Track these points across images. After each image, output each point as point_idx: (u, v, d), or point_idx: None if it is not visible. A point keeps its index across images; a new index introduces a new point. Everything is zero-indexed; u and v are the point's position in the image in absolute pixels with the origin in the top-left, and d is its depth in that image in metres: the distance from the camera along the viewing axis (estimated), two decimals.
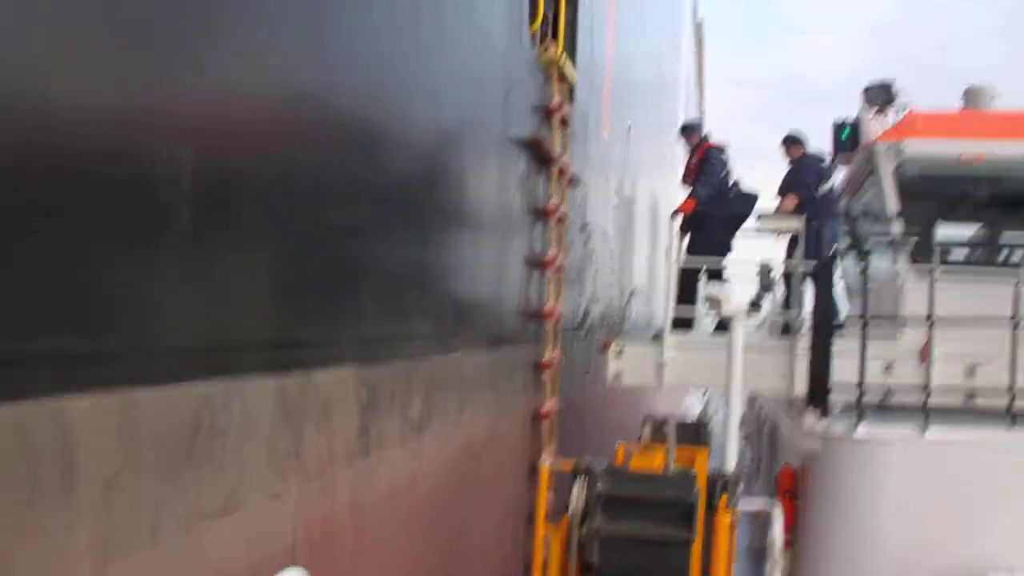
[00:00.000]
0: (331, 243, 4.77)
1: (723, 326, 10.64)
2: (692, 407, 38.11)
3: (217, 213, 3.67)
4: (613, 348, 9.65)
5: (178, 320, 3.44)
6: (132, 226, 3.18)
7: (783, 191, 11.24)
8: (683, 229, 10.81)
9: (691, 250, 10.83)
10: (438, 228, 6.44)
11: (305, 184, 4.40)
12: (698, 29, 45.90)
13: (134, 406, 3.14)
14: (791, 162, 11.50)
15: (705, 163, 11.21)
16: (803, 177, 11.25)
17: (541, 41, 9.07)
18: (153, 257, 3.29)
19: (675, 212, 10.74)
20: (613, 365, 9.62)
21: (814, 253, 10.33)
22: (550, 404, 9.46)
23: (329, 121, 4.71)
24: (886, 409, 8.82)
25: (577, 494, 6.28)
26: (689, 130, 12.12)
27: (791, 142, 11.59)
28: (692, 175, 11.35)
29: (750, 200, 11.34)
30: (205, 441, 3.51)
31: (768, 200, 11.33)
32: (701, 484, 6.38)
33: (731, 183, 11.36)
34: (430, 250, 6.31)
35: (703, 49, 46.77)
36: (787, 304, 10.49)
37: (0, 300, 2.62)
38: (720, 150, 11.41)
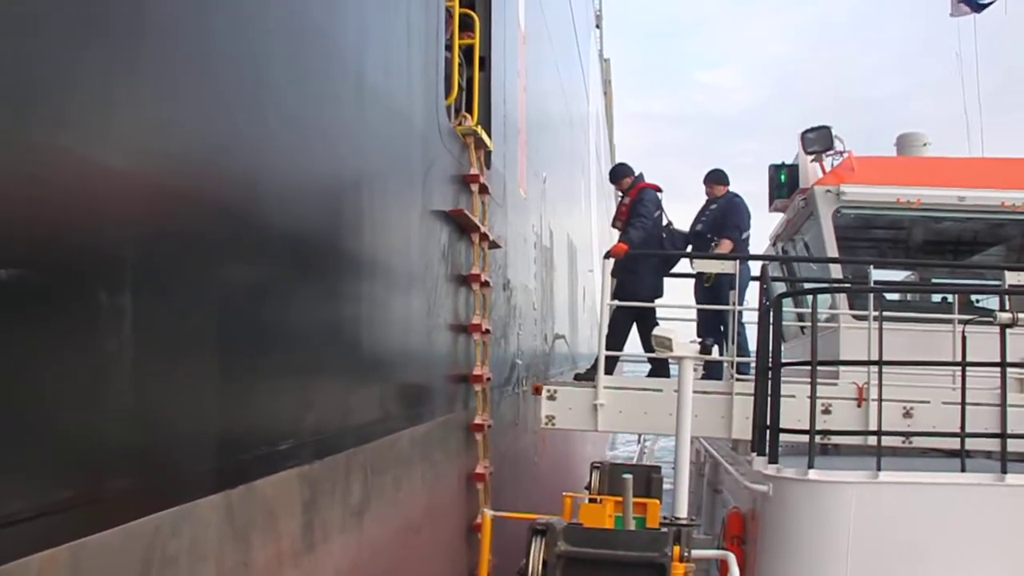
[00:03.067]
0: (263, 346, 4.85)
1: (658, 370, 10.85)
2: (618, 447, 38.50)
3: (148, 318, 3.67)
4: (545, 391, 9.54)
5: (123, 461, 3.50)
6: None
7: (716, 231, 11.10)
8: (613, 274, 10.65)
9: (621, 293, 10.73)
10: (368, 309, 6.55)
11: (224, 278, 4.44)
12: (605, 67, 46.93)
13: (84, 554, 3.18)
14: (713, 199, 11.34)
15: (638, 203, 11.07)
16: (735, 219, 11.13)
17: (457, 113, 9.31)
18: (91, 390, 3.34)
19: (607, 255, 10.53)
20: (545, 408, 9.49)
21: (741, 297, 10.56)
22: (483, 465, 9.60)
23: (256, 205, 4.74)
24: (826, 451, 9.03)
25: (535, 555, 5.78)
26: (619, 174, 11.76)
27: (716, 180, 11.45)
28: (624, 217, 11.19)
29: (678, 241, 11.23)
30: (158, 572, 3.59)
31: (697, 239, 11.22)
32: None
33: (664, 223, 11.22)
34: (362, 333, 6.41)
35: (611, 86, 47.83)
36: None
37: None
38: (655, 189, 11.27)
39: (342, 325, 6.01)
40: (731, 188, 11.49)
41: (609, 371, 10.29)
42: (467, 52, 9.94)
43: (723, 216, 11.20)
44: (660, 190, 11.34)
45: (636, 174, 11.57)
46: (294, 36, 5.20)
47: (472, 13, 9.90)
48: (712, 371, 10.99)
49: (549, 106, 17.12)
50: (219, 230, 4.34)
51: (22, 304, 2.97)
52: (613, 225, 11.80)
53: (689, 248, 11.39)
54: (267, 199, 4.91)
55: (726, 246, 10.91)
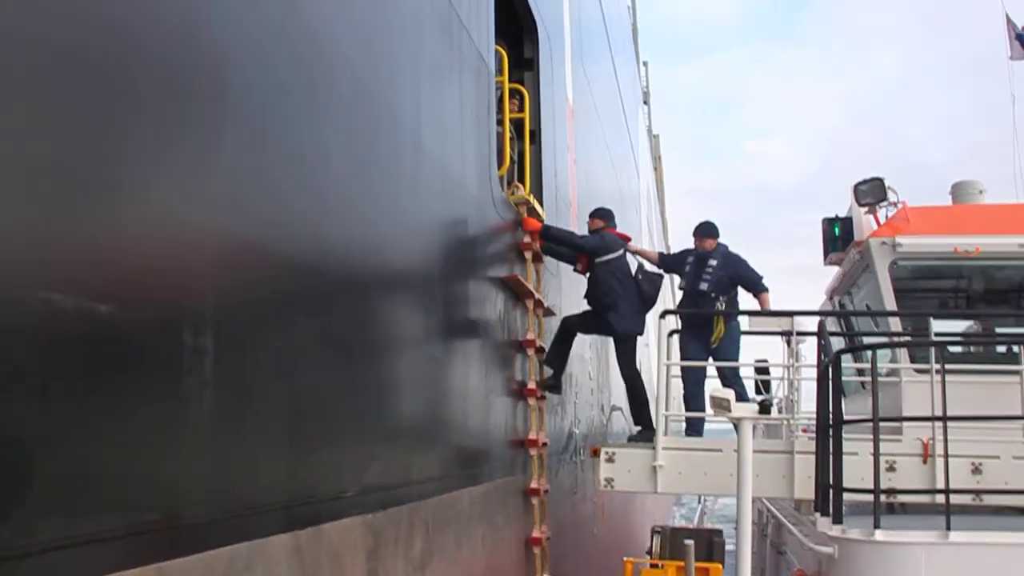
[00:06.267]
0: (333, 398, 5.10)
1: (694, 428, 10.77)
2: (683, 509, 38.03)
3: (228, 377, 3.96)
4: (603, 453, 9.46)
5: (204, 491, 3.75)
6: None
7: (724, 290, 10.70)
8: (590, 303, 10.56)
9: (600, 325, 10.63)
10: (433, 371, 6.81)
11: (301, 339, 4.73)
12: (655, 143, 47.50)
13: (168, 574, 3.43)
14: (706, 254, 10.86)
15: (597, 232, 10.68)
16: (750, 272, 10.84)
17: (509, 184, 9.65)
18: (176, 431, 3.61)
19: (574, 269, 10.25)
20: (604, 470, 9.39)
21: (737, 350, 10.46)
22: (540, 530, 9.67)
23: (322, 271, 5.02)
24: (892, 510, 8.81)
25: None
26: (594, 214, 11.12)
27: (707, 233, 10.97)
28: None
29: (656, 281, 10.90)
30: None
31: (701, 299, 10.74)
32: None
33: (636, 268, 10.74)
34: (426, 394, 6.66)
35: (660, 162, 48.33)
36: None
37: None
38: (623, 238, 10.86)
39: (400, 383, 6.24)
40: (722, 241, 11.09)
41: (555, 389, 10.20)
42: (518, 126, 10.32)
43: (735, 272, 10.79)
44: (628, 239, 11.02)
45: (612, 223, 11.06)
46: (365, 110, 5.56)
47: (522, 88, 10.30)
48: (695, 427, 10.77)
49: (600, 180, 17.45)
50: (294, 290, 4.64)
51: (117, 357, 3.25)
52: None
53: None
54: (334, 262, 5.21)
55: (768, 300, 10.64)
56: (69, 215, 3.09)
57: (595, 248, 10.41)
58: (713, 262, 10.74)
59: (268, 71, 4.46)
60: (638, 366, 11.05)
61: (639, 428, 10.76)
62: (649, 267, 11.25)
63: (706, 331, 10.57)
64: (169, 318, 3.58)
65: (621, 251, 10.57)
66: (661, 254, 12.56)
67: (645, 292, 10.57)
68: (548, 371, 10.17)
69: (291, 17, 4.71)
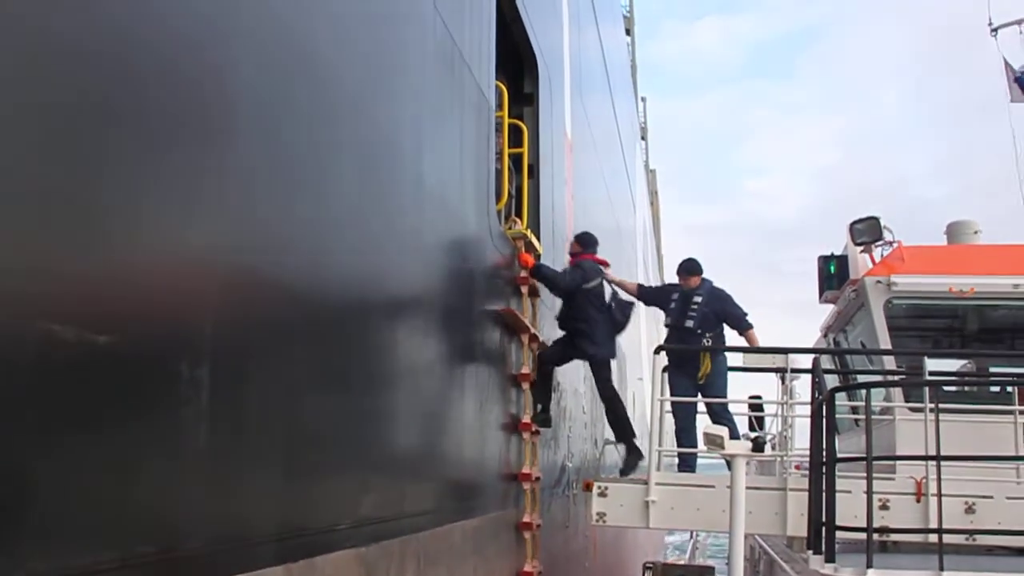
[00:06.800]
0: (329, 430, 5.11)
1: (687, 463, 10.79)
2: (673, 544, 37.86)
3: (223, 408, 3.97)
4: (596, 488, 9.44)
5: (198, 523, 3.76)
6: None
7: (710, 326, 10.74)
8: (562, 327, 10.59)
9: (572, 349, 10.56)
10: (428, 403, 6.82)
11: (298, 371, 4.74)
12: (651, 177, 47.78)
13: None
14: (691, 291, 10.90)
15: (575, 268, 10.63)
16: (735, 308, 10.91)
17: (507, 218, 9.71)
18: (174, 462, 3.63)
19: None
20: (596, 505, 9.37)
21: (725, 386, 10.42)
22: (532, 564, 9.64)
23: (320, 303, 5.05)
24: (885, 549, 8.75)
25: None
26: (576, 239, 11.10)
27: (690, 271, 11.03)
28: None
29: (627, 309, 10.98)
30: None
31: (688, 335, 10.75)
32: None
33: (610, 296, 10.82)
34: (421, 426, 6.67)
35: (657, 197, 48.64)
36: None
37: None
38: (598, 263, 10.82)
39: (396, 415, 6.25)
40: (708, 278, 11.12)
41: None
42: (516, 161, 10.40)
43: (721, 308, 10.86)
44: (606, 264, 11.01)
45: (590, 245, 11.02)
46: (367, 143, 5.62)
47: (521, 124, 10.39)
48: (688, 462, 10.76)
49: (597, 215, 17.54)
50: (292, 322, 4.66)
51: (126, 394, 3.28)
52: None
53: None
54: (332, 294, 5.24)
55: (754, 337, 10.71)
56: (65, 241, 3.13)
57: (576, 286, 10.41)
58: (698, 298, 10.81)
59: (270, 105, 4.51)
60: (615, 385, 11.07)
61: (626, 452, 10.76)
62: (623, 295, 11.34)
63: (693, 367, 10.60)
64: (165, 348, 3.60)
65: (599, 280, 10.64)
66: (640, 286, 12.57)
67: (618, 320, 10.73)
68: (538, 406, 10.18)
69: (296, 51, 4.77)
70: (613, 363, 11.06)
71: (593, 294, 10.51)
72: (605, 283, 10.79)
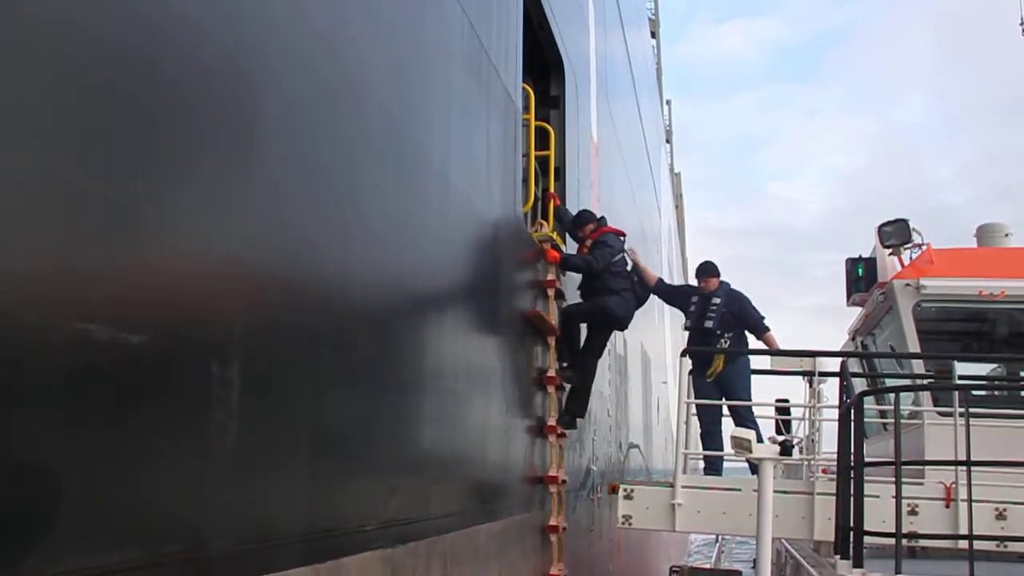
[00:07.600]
0: (356, 431, 5.12)
1: (713, 467, 10.75)
2: (698, 547, 37.67)
3: (252, 408, 3.97)
4: (622, 490, 9.47)
5: (225, 522, 3.78)
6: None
7: (728, 327, 10.85)
8: (582, 295, 10.51)
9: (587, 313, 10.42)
10: (455, 406, 6.81)
11: (326, 371, 4.75)
12: (676, 181, 47.64)
13: None
14: (710, 293, 11.05)
15: (599, 245, 10.37)
16: (753, 311, 11.03)
17: (533, 220, 9.69)
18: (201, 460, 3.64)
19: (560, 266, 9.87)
20: (622, 507, 9.41)
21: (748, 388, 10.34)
22: (558, 568, 9.61)
23: (348, 304, 5.06)
24: (913, 555, 8.73)
25: None
26: (582, 220, 10.74)
27: (709, 273, 11.18)
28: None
29: (646, 288, 11.00)
30: None
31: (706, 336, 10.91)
32: None
33: (630, 269, 10.76)
34: (448, 428, 6.66)
35: (682, 200, 48.49)
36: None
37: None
38: (617, 234, 10.71)
39: (423, 417, 6.25)
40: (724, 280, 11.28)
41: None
42: (543, 163, 10.39)
43: (739, 310, 10.97)
44: (623, 235, 10.89)
45: (599, 219, 10.90)
46: (395, 146, 5.63)
47: (547, 126, 10.37)
48: (714, 466, 10.76)
49: (622, 218, 17.48)
50: (320, 323, 4.67)
51: (141, 399, 3.30)
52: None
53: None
54: (359, 295, 5.25)
55: (773, 340, 10.73)
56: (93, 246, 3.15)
57: (608, 261, 10.28)
58: (717, 300, 11.01)
59: (300, 107, 4.53)
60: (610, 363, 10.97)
61: (566, 412, 10.17)
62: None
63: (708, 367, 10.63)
64: (196, 348, 3.62)
65: (623, 253, 10.62)
66: (660, 279, 12.49)
67: (638, 293, 10.70)
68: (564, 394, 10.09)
69: (325, 55, 4.78)
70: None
71: (621, 264, 10.51)
72: (627, 256, 10.78)
